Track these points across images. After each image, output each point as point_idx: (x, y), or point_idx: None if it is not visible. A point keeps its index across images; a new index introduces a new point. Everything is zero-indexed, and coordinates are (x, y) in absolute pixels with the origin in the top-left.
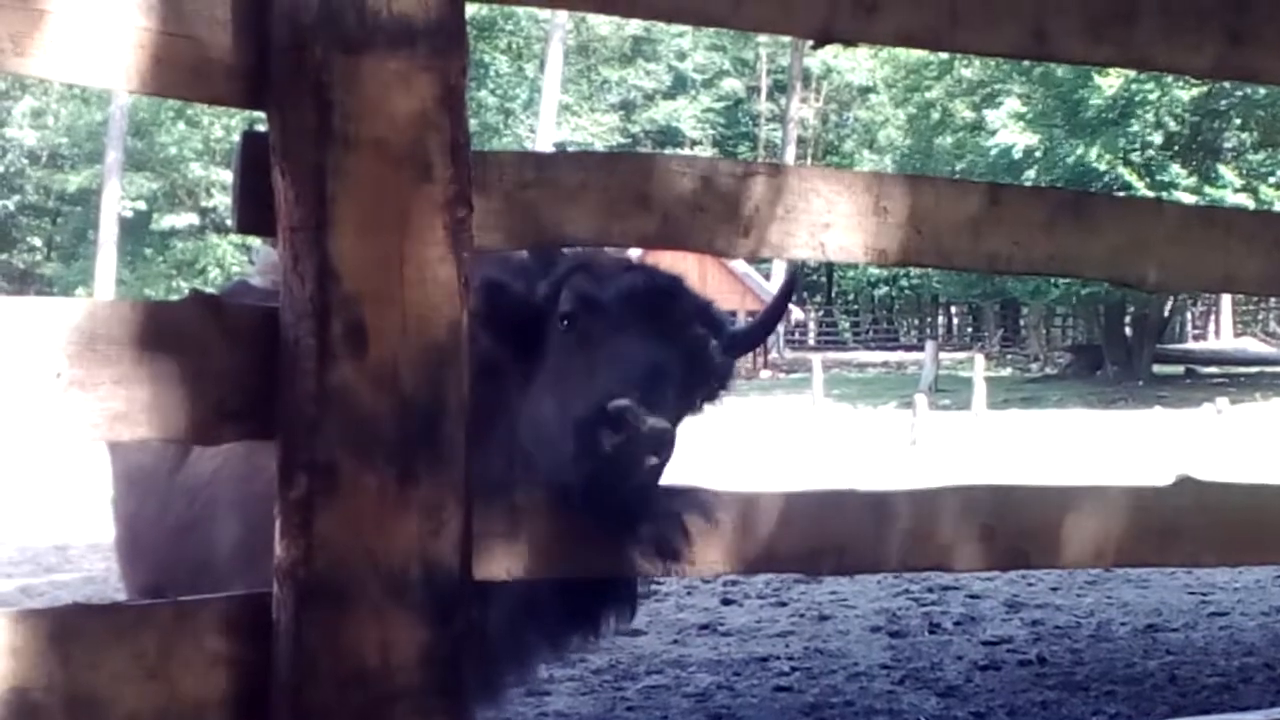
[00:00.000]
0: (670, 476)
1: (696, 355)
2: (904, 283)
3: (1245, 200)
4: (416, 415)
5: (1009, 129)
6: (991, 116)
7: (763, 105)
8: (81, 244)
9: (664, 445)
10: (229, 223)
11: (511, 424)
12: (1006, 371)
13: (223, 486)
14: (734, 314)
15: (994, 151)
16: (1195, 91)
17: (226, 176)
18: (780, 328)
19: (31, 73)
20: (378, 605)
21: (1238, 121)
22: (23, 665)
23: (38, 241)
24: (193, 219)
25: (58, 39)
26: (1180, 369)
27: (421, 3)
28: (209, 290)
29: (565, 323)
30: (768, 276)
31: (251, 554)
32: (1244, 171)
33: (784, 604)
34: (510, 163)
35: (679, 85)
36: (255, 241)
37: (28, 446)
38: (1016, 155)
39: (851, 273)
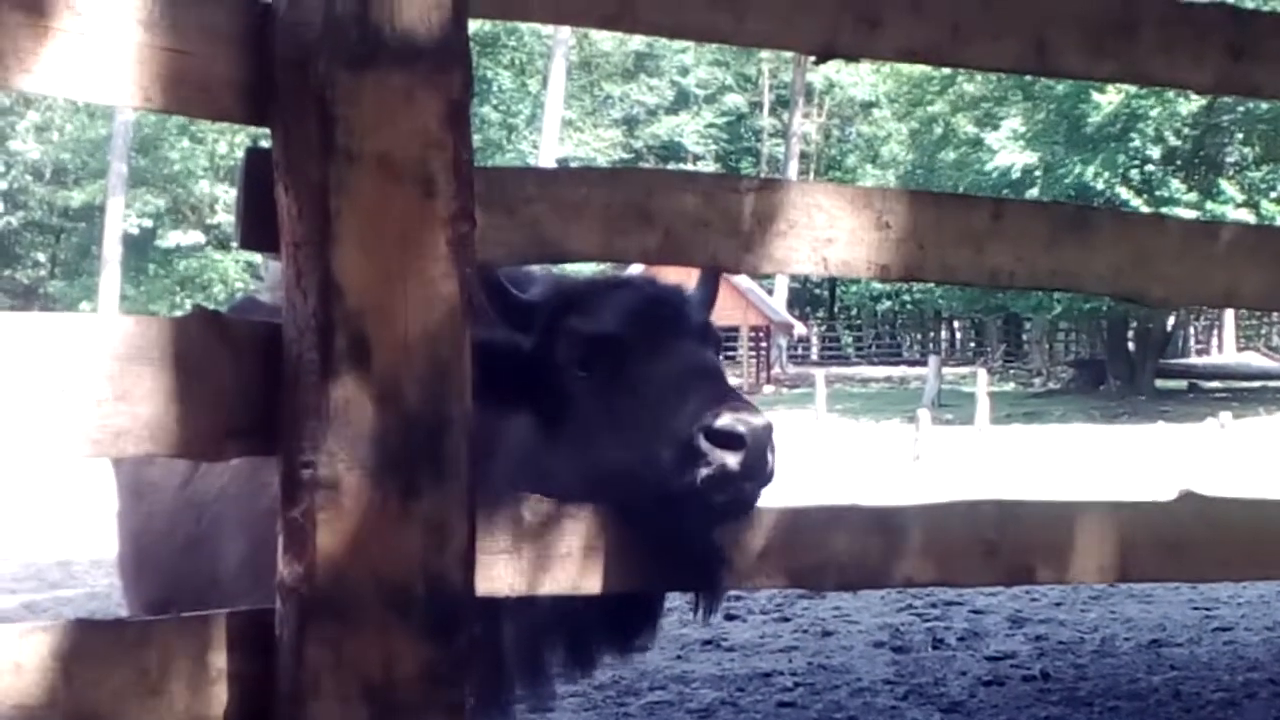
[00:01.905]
0: None
1: (713, 337)
2: (907, 297)
3: (1247, 216)
4: (419, 430)
5: (1009, 150)
6: (991, 138)
7: (765, 120)
8: (85, 260)
9: (772, 433)
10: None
11: (518, 467)
12: (1009, 386)
13: (229, 503)
14: (736, 329)
15: (995, 174)
16: (1196, 106)
17: (231, 193)
18: (783, 342)
19: (36, 89)
20: (381, 621)
21: (1239, 136)
22: (26, 682)
23: (42, 257)
24: (197, 236)
25: (62, 55)
26: (1183, 384)
27: (425, 19)
28: (212, 306)
29: (583, 369)
30: (770, 292)
31: (258, 571)
32: (1245, 186)
33: (787, 619)
34: (513, 178)
35: (682, 100)
36: (259, 258)
37: (31, 462)
38: (1016, 175)
39: (854, 287)
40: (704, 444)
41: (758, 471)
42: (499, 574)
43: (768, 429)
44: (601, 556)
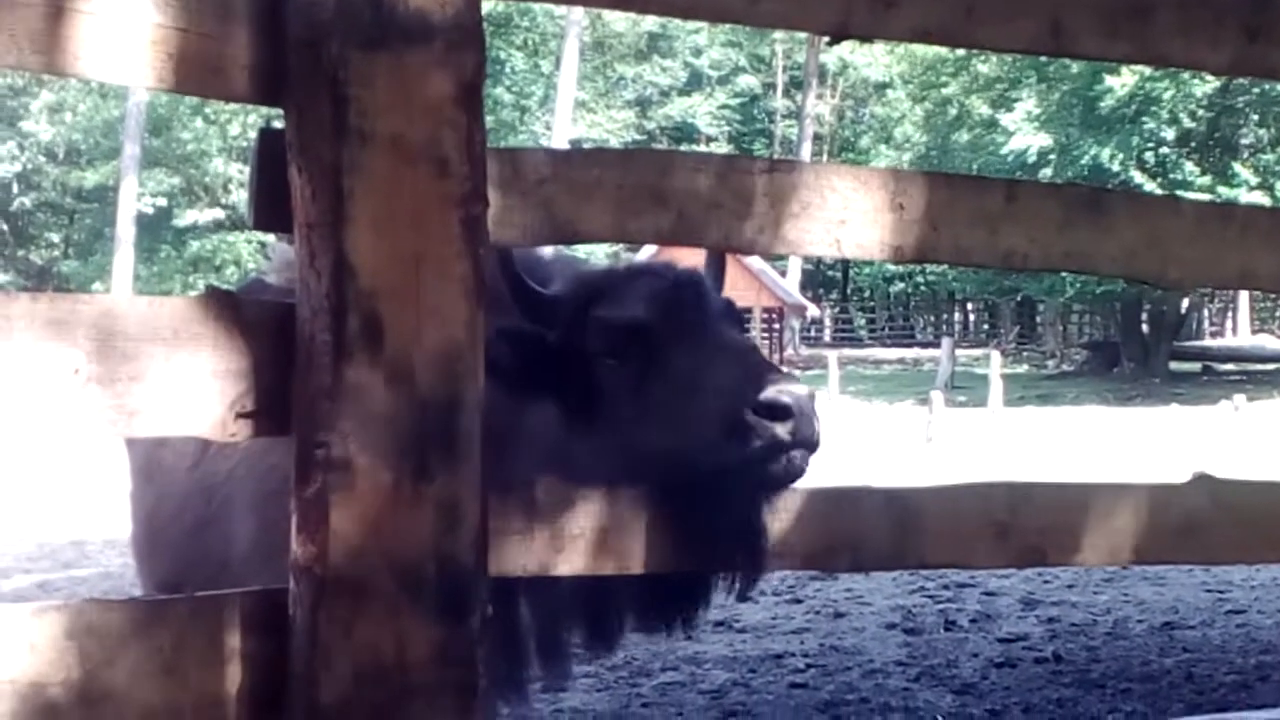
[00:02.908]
0: None
1: (736, 316)
2: (920, 279)
3: (1261, 198)
4: (432, 411)
5: (1023, 132)
6: (1006, 119)
7: (779, 101)
8: (99, 240)
9: (815, 401)
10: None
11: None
12: (1023, 368)
13: (241, 484)
14: (749, 310)
15: (1010, 157)
16: (1210, 88)
17: (244, 173)
18: (796, 323)
19: (48, 69)
20: (393, 601)
21: (1255, 118)
22: (40, 660)
23: (55, 238)
24: (211, 216)
25: (74, 35)
26: (1197, 366)
27: None
28: (225, 287)
29: (616, 358)
30: (784, 273)
31: (270, 551)
32: (1260, 169)
33: (799, 601)
34: (526, 159)
35: (695, 82)
36: (272, 239)
37: (46, 442)
38: (1031, 159)
39: (868, 269)
40: (752, 417)
41: (807, 438)
42: (511, 555)
43: (811, 397)
44: (623, 538)
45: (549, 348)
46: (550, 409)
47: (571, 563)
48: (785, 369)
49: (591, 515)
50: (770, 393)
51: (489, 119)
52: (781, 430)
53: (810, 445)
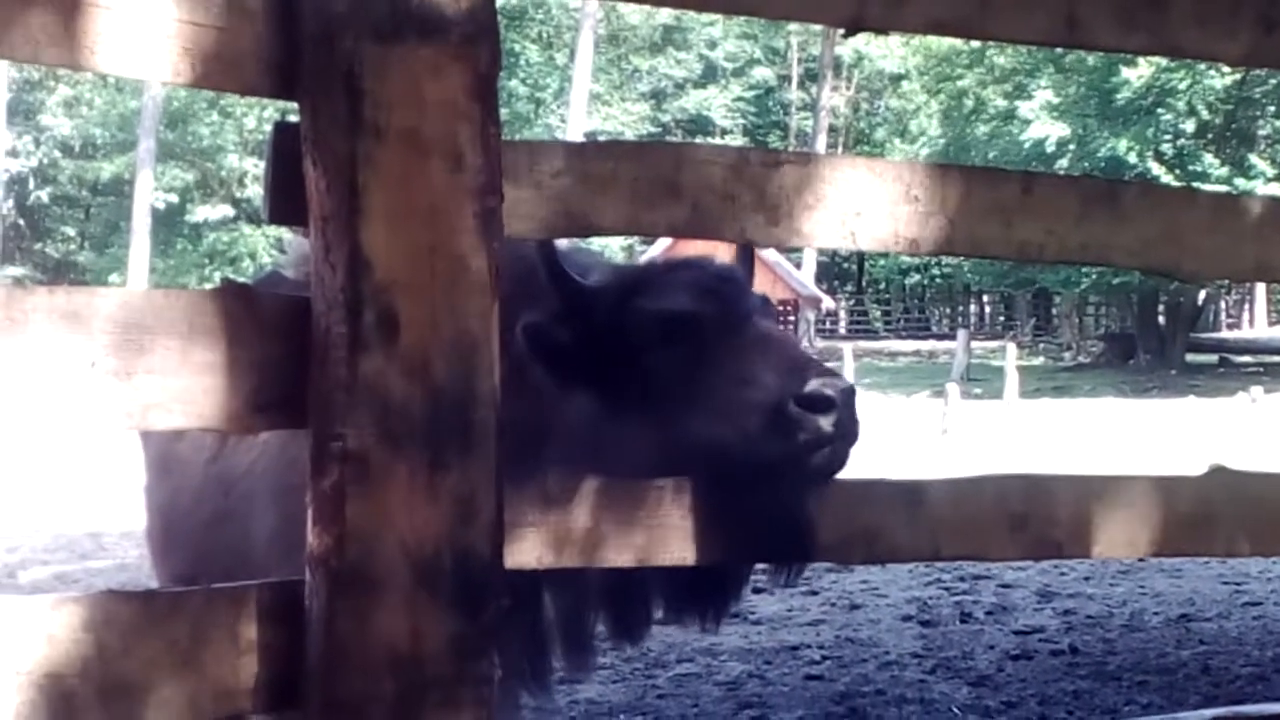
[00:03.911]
0: None
1: (772, 310)
2: (935, 271)
3: (1278, 190)
4: (447, 403)
5: (1041, 121)
6: (1024, 108)
7: (794, 94)
8: (115, 233)
9: (855, 395)
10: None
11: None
12: (1039, 360)
13: (259, 478)
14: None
15: (1027, 145)
16: (1228, 79)
17: (260, 166)
18: (811, 316)
19: (65, 64)
20: (409, 593)
21: (1271, 109)
22: (57, 651)
23: (71, 231)
24: (226, 210)
25: (91, 30)
26: (1214, 358)
27: None
28: (241, 280)
29: (659, 347)
30: (799, 265)
31: (288, 546)
32: (1277, 160)
33: (815, 592)
34: (541, 152)
35: (710, 74)
36: (287, 233)
37: (63, 435)
38: (1050, 149)
39: (883, 261)
40: (795, 410)
41: (850, 431)
42: (527, 547)
43: (852, 391)
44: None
45: (589, 339)
46: (591, 400)
47: (588, 555)
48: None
49: (608, 507)
50: (814, 384)
51: (503, 111)
52: (825, 422)
53: (852, 438)
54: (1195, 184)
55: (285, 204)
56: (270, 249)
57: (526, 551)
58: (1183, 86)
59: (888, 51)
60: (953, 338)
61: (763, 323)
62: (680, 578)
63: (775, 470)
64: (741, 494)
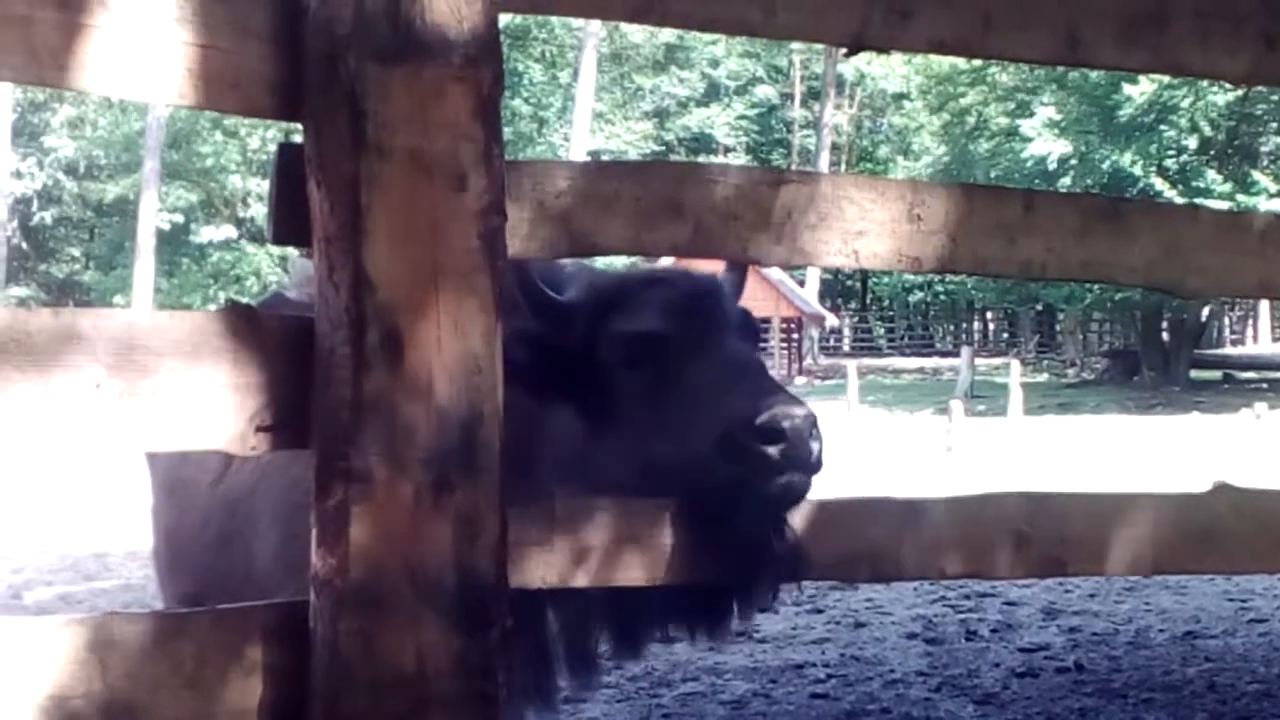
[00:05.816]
0: None
1: (752, 326)
2: (939, 288)
3: None
4: (451, 424)
5: (1043, 138)
6: (1026, 126)
7: (796, 112)
8: (119, 254)
9: (817, 424)
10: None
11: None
12: (1043, 377)
13: (264, 499)
14: (768, 320)
15: (1030, 162)
16: (1231, 96)
17: (263, 186)
18: (815, 333)
19: (71, 85)
20: (413, 613)
21: (1274, 126)
22: (62, 673)
23: (76, 252)
24: (230, 230)
25: (96, 52)
26: (1218, 374)
27: (455, 13)
28: (245, 300)
29: (627, 367)
30: (802, 283)
31: (294, 566)
32: (1279, 177)
33: (820, 611)
34: (544, 172)
35: (712, 92)
36: (292, 253)
37: (68, 456)
38: (1052, 166)
39: (886, 279)
40: (746, 439)
41: (800, 462)
42: (530, 566)
43: (808, 420)
44: (637, 550)
45: (565, 354)
46: (568, 416)
47: (589, 574)
48: (803, 379)
49: (609, 526)
50: (764, 416)
51: (507, 131)
52: (773, 451)
53: (805, 468)
54: (1198, 200)
55: (289, 224)
56: (275, 268)
57: (529, 570)
58: (1185, 103)
59: (890, 70)
60: (956, 354)
61: (732, 345)
62: (684, 594)
63: (730, 496)
64: (704, 516)
